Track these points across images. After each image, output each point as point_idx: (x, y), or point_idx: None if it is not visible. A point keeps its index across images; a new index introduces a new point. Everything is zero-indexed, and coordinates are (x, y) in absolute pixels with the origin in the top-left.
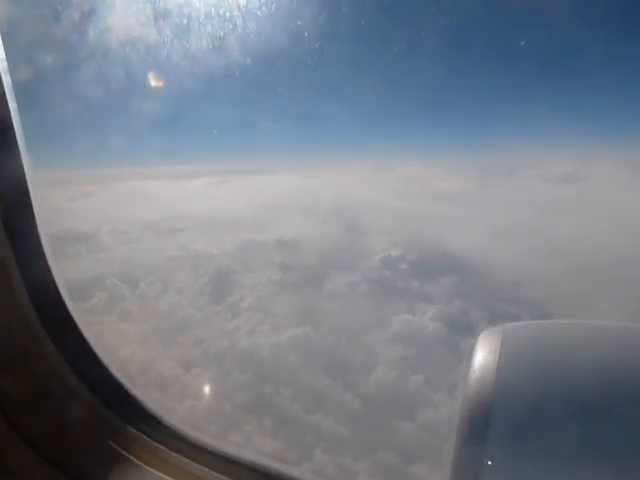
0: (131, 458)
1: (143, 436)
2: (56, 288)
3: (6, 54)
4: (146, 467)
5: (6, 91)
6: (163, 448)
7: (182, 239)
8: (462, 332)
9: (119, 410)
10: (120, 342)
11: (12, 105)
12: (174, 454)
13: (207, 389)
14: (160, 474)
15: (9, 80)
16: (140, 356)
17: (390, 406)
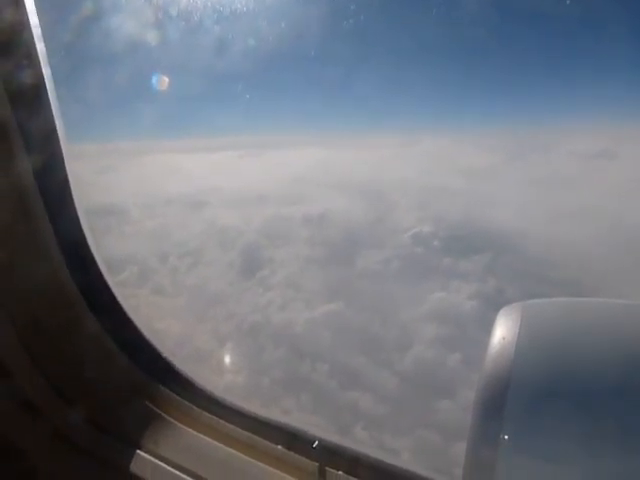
0: (166, 417)
1: (177, 397)
2: (91, 257)
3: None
4: (180, 425)
5: (40, 58)
6: (195, 408)
7: (208, 213)
8: (498, 311)
9: (154, 373)
10: (154, 315)
11: (46, 72)
12: (206, 414)
13: (243, 364)
14: (193, 431)
15: (43, 47)
16: (175, 329)
17: (428, 385)
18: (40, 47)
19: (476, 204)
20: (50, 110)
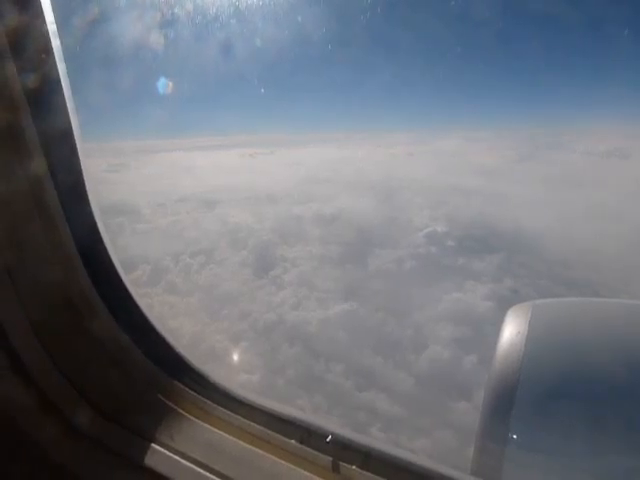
0: (181, 411)
1: (191, 392)
2: (107, 254)
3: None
4: (194, 419)
5: (56, 56)
6: (210, 403)
7: (220, 211)
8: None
9: (169, 369)
10: (168, 314)
11: (61, 67)
12: (220, 408)
13: (257, 363)
14: (207, 425)
15: (58, 44)
16: (188, 328)
17: (445, 386)
18: (56, 44)
19: (490, 203)
20: (66, 108)
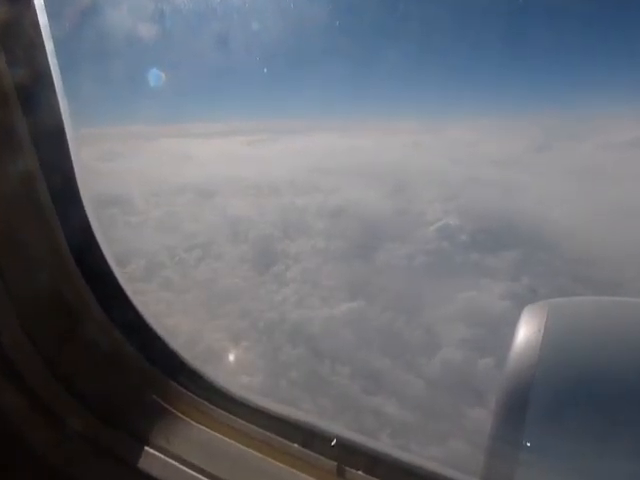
0: (177, 413)
1: (188, 392)
2: (99, 248)
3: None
4: (191, 421)
5: (47, 48)
6: (207, 404)
7: (218, 202)
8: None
9: (164, 367)
10: (163, 312)
11: (53, 61)
12: (218, 410)
13: (258, 364)
14: (204, 428)
15: (49, 34)
16: (185, 327)
17: (458, 390)
18: (47, 35)
19: (506, 196)
20: (58, 104)
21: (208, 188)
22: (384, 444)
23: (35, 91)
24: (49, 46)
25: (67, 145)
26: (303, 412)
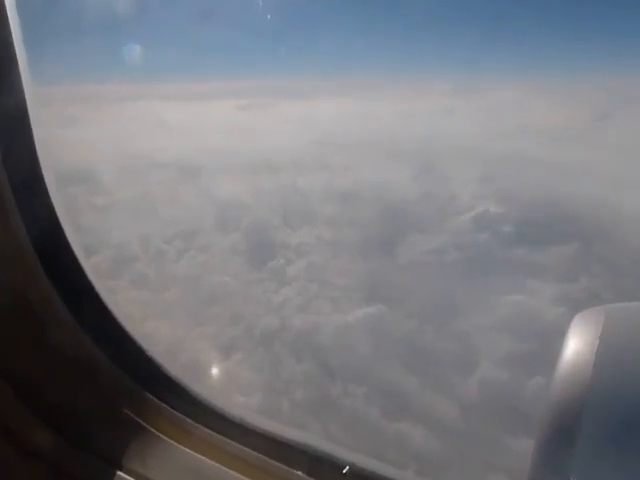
0: (151, 429)
1: (165, 406)
2: (65, 240)
3: None
4: (172, 441)
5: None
6: (191, 422)
7: (204, 182)
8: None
9: (141, 379)
10: (137, 315)
11: (17, 34)
12: (205, 429)
13: (254, 382)
14: (188, 450)
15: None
16: (164, 334)
17: (501, 417)
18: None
19: (559, 176)
20: (20, 82)
21: (192, 163)
22: (401, 472)
23: None
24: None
25: (30, 128)
26: (308, 434)
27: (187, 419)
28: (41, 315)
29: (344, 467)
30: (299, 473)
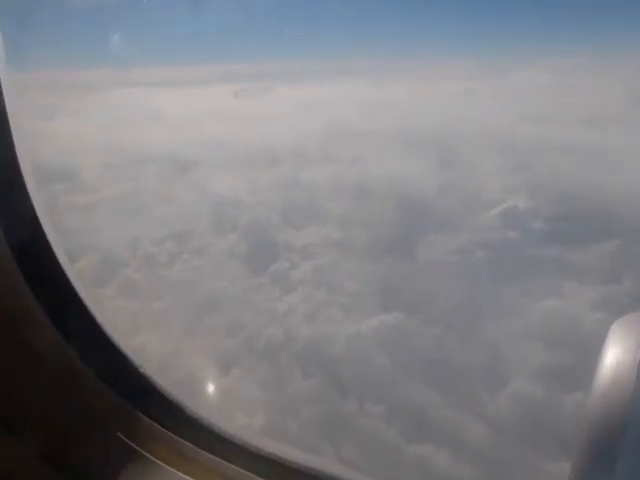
0: (145, 454)
1: (159, 427)
2: (43, 236)
3: None
4: (164, 465)
5: None
6: (186, 443)
7: (197, 177)
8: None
9: (127, 393)
10: (126, 326)
11: None
12: (202, 452)
13: (257, 399)
14: (181, 474)
15: None
16: (156, 347)
17: (535, 438)
18: None
19: (596, 167)
20: None
21: (184, 156)
22: None
23: None
24: None
25: (6, 119)
26: (318, 457)
27: (183, 441)
28: (22, 327)
29: None
30: None
